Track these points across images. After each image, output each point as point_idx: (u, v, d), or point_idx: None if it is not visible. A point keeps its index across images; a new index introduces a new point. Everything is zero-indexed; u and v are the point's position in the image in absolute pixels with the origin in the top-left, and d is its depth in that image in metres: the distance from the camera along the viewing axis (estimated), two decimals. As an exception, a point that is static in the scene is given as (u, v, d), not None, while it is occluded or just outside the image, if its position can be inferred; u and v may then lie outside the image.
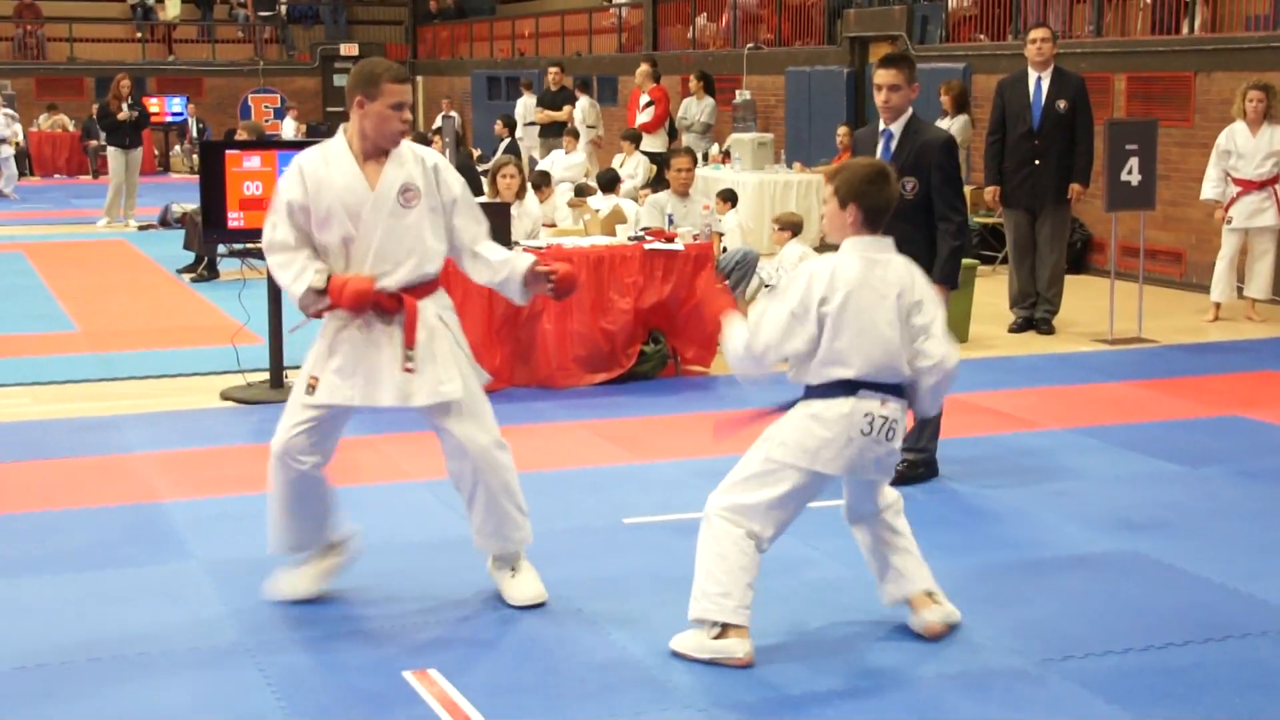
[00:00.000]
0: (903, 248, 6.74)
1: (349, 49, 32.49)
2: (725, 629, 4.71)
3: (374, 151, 5.06)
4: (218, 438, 7.87)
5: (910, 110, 6.80)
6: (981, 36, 16.44)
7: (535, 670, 4.73)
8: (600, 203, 13.65)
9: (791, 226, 11.44)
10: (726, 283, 9.81)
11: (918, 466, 6.97)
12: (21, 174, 24.94)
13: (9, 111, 23.37)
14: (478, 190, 12.30)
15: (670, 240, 9.50)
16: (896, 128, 6.79)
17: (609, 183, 13.78)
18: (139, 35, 31.93)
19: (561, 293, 5.29)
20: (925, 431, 6.93)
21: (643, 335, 9.23)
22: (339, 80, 32.74)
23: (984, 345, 10.49)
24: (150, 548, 5.97)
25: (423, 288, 5.08)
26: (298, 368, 9.19)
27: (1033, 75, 10.92)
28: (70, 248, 16.47)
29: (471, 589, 5.45)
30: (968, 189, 14.20)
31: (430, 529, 6.22)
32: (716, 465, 7.04)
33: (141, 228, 18.06)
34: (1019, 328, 11.02)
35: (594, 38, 25.77)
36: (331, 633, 5.03)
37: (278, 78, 31.67)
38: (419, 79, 32.09)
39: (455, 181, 5.17)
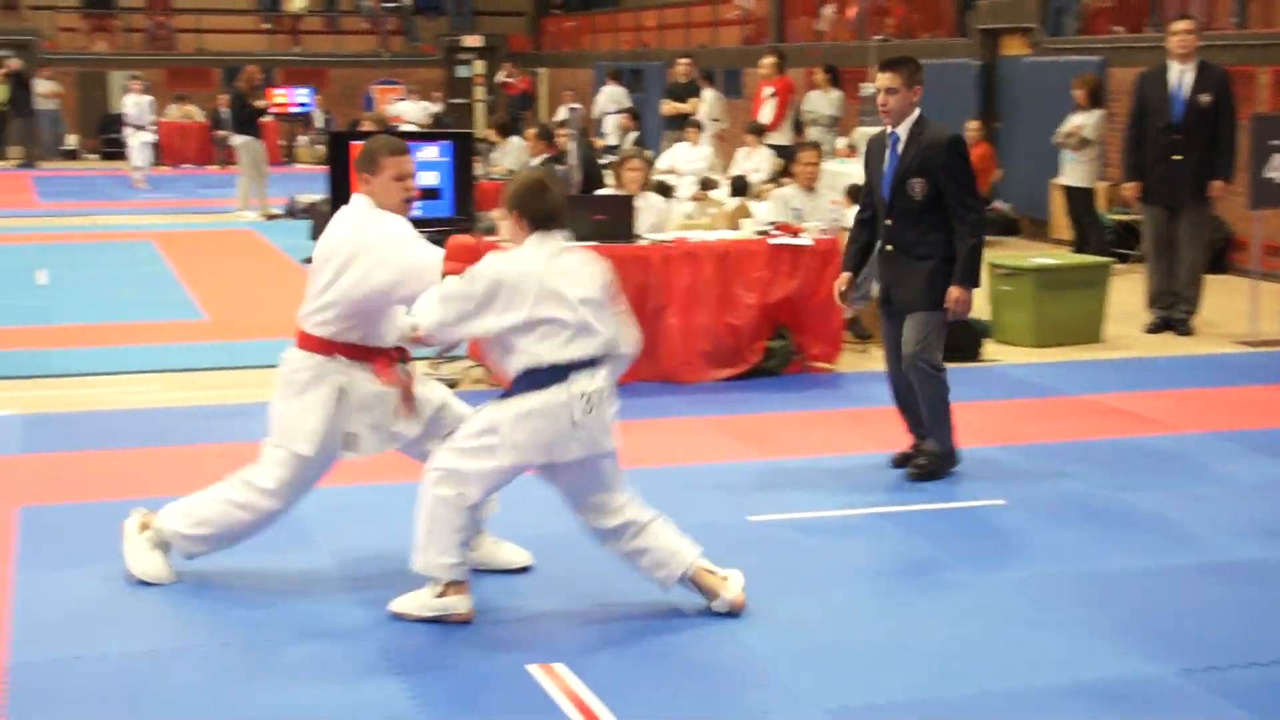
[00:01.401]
0: (916, 250, 6.74)
1: (473, 40, 32.76)
2: (447, 587, 5.03)
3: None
4: (343, 427, 7.96)
5: (917, 112, 6.81)
6: (1118, 28, 16.16)
7: (661, 666, 4.73)
8: (725, 197, 13.64)
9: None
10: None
11: (938, 459, 6.92)
12: (152, 164, 25.50)
13: (147, 98, 23.86)
14: (600, 182, 12.33)
15: (796, 235, 9.46)
16: (903, 130, 6.79)
17: (740, 187, 13.73)
18: (266, 26, 32.47)
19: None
20: (933, 423, 6.92)
21: (768, 331, 9.20)
22: (462, 71, 33.06)
23: (1119, 346, 10.32)
24: (277, 537, 6.03)
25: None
26: (424, 359, 9.33)
27: (1174, 68, 10.71)
28: (199, 237, 16.80)
29: (598, 583, 5.47)
30: (1103, 185, 14.02)
31: (554, 522, 6.22)
32: (844, 463, 7.03)
33: (269, 217, 18.36)
34: (1156, 328, 10.82)
35: (718, 29, 25.75)
36: (458, 624, 5.07)
37: (402, 69, 32.02)
38: (541, 71, 32.27)
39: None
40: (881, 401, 8.48)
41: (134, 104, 23.47)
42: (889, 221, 6.84)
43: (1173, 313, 10.85)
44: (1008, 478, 6.98)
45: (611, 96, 22.17)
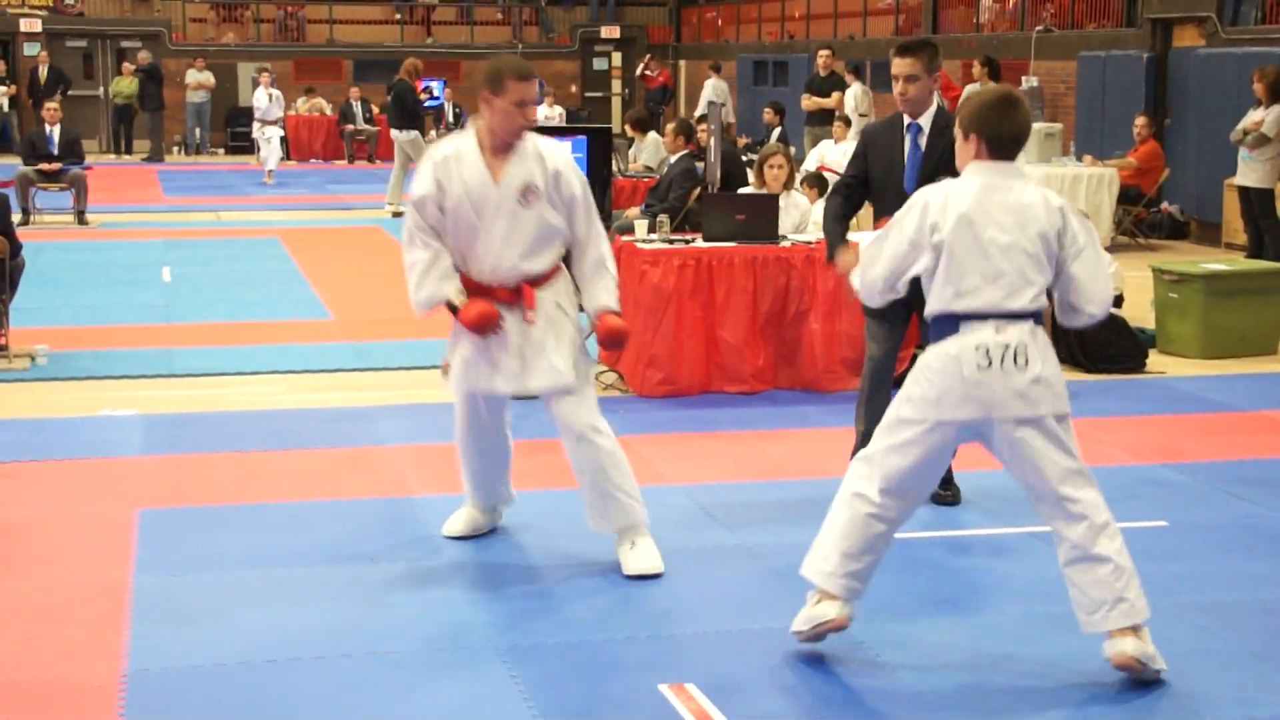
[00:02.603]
0: None
1: (610, 31, 32.92)
2: (821, 594, 4.85)
3: (501, 147, 5.58)
4: (470, 433, 8.04)
5: (935, 102, 6.53)
6: (1301, 18, 15.79)
7: (795, 691, 4.71)
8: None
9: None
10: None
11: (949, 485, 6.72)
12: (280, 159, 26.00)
13: (276, 91, 24.27)
14: (742, 180, 12.30)
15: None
16: (925, 121, 6.48)
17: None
18: (398, 17, 32.93)
19: (604, 344, 5.96)
20: None
21: (916, 337, 9.10)
22: (599, 64, 33.23)
23: (1297, 358, 10.09)
24: (402, 543, 6.14)
25: (541, 278, 5.66)
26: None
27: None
28: (326, 234, 17.08)
29: (733, 602, 5.47)
30: (1283, 185, 13.69)
31: (690, 536, 6.25)
32: (994, 480, 6.92)
33: (396, 214, 18.59)
34: (1338, 340, 10.55)
35: (869, 20, 25.59)
36: (586, 640, 5.10)
37: (536, 61, 32.24)
38: (681, 63, 32.32)
39: (575, 182, 5.67)
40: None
41: (264, 97, 23.88)
42: None
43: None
44: (1171, 498, 6.85)
45: (714, 89, 22.40)
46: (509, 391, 5.72)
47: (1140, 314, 10.49)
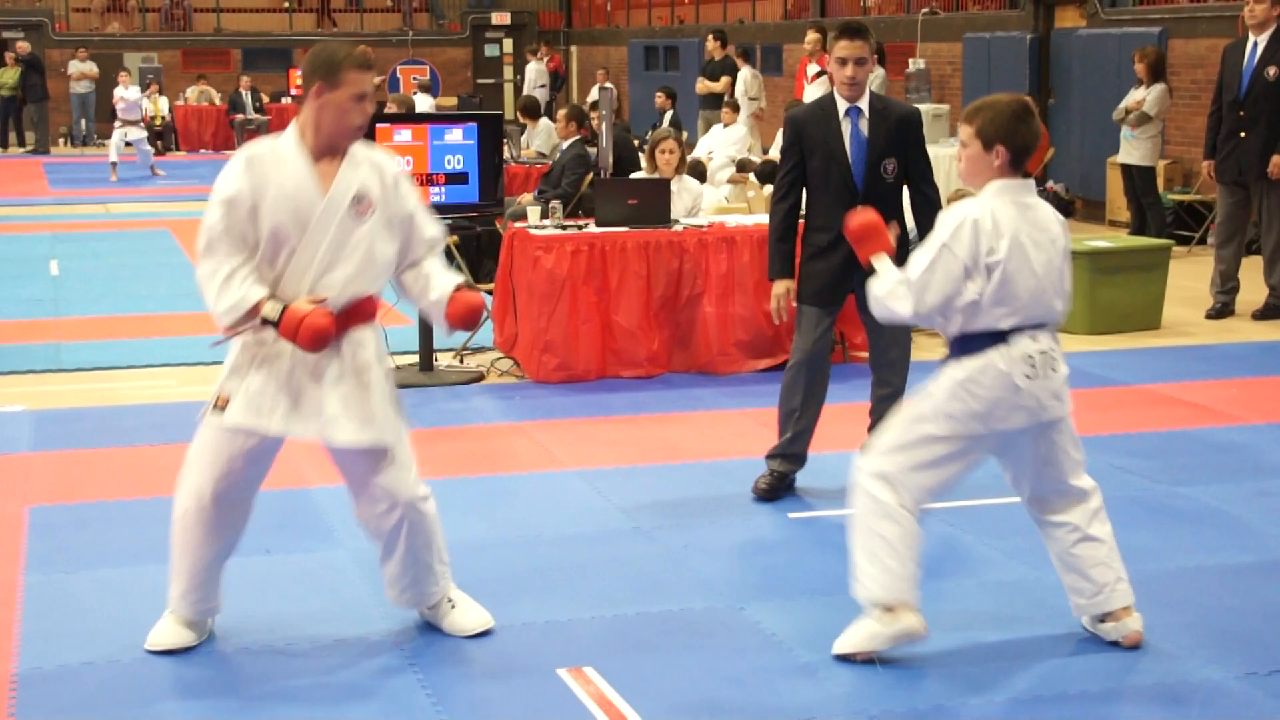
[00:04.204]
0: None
1: (501, 18, 32.77)
2: (893, 608, 4.67)
3: (327, 149, 4.66)
4: (366, 422, 7.98)
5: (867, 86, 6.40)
6: (1179, -2, 16.05)
7: (694, 671, 4.73)
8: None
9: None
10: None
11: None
12: (167, 149, 25.60)
13: (132, 94, 23.56)
14: (634, 165, 12.32)
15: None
16: (864, 104, 6.32)
17: (768, 175, 13.70)
18: (286, 5, 32.56)
19: (454, 326, 4.89)
20: None
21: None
22: (490, 51, 33.08)
23: (1179, 332, 10.26)
24: (298, 535, 6.09)
25: (364, 308, 4.76)
26: (449, 350, 9.34)
27: (1250, 39, 10.64)
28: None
29: (628, 584, 5.47)
30: (1163, 163, 13.94)
31: (586, 521, 6.25)
32: (888, 458, 6.99)
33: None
34: (1217, 313, 10.74)
35: (757, 4, 25.68)
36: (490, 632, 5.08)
37: (427, 48, 32.05)
38: (573, 49, 32.26)
39: (412, 194, 4.85)
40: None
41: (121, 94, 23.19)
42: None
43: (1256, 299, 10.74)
44: (1061, 472, 6.93)
45: (535, 73, 22.87)
46: (311, 437, 4.69)
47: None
